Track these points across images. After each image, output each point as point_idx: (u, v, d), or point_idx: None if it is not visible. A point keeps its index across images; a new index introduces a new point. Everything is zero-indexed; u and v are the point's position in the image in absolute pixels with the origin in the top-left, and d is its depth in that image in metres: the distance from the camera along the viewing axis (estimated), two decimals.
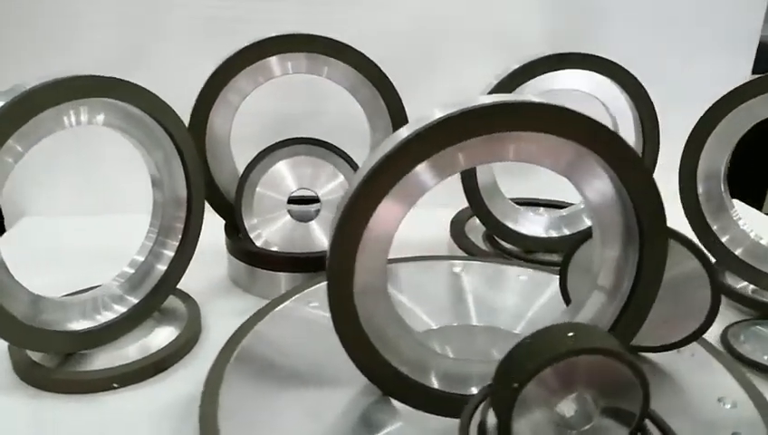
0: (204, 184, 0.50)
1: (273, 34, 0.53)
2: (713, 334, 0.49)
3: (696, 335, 0.39)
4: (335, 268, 0.32)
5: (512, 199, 0.63)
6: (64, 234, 0.67)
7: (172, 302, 0.50)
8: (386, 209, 0.32)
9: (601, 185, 0.34)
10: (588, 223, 0.62)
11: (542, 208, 0.66)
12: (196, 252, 0.49)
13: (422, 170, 0.32)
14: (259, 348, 0.40)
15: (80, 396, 0.41)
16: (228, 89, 0.53)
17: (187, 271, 0.49)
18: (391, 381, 0.35)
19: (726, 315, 0.52)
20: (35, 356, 0.42)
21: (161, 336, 0.46)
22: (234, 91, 0.54)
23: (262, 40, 0.52)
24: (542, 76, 0.56)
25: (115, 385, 0.41)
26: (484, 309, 0.46)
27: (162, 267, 0.48)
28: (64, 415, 0.39)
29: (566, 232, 0.62)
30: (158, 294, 0.47)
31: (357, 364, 0.34)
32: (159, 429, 0.38)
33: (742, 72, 0.75)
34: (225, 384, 0.36)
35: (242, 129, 0.56)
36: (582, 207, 0.62)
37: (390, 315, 0.35)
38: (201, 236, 0.49)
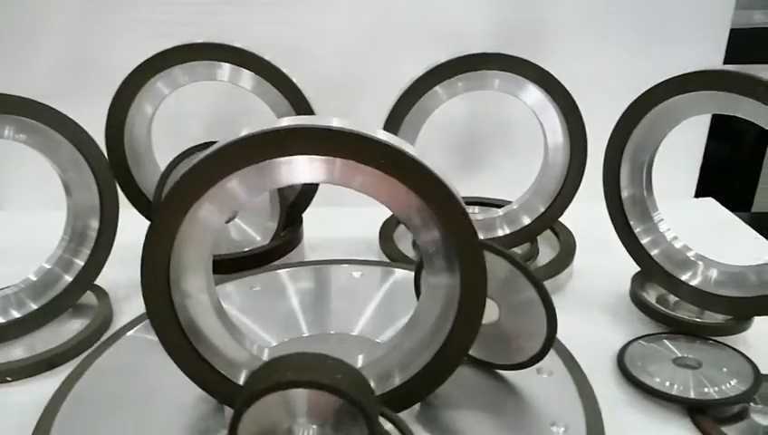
0: (116, 192, 0.52)
1: (180, 43, 0.55)
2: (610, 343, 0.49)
3: (538, 358, 0.39)
4: (150, 265, 0.33)
5: None
6: (35, 228, 0.71)
7: (89, 298, 0.53)
8: (199, 213, 0.33)
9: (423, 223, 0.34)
10: (526, 222, 0.61)
11: (477, 208, 0.65)
12: (119, 248, 0.52)
13: (233, 184, 0.33)
14: (103, 375, 0.41)
15: None
16: (142, 94, 0.56)
17: (110, 267, 0.52)
18: (214, 384, 0.36)
19: (640, 329, 0.51)
20: None
21: (65, 333, 0.49)
22: (148, 98, 0.56)
23: (167, 49, 0.54)
24: (461, 76, 0.56)
25: (8, 379, 0.45)
26: (366, 317, 0.47)
27: (69, 278, 0.51)
28: None
29: (507, 231, 0.61)
30: (61, 302, 0.50)
31: (179, 366, 0.35)
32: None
33: (713, 63, 0.71)
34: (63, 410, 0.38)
35: (173, 133, 0.59)
36: (516, 207, 0.61)
37: (212, 319, 0.36)
38: (129, 234, 0.51)
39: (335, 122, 0.33)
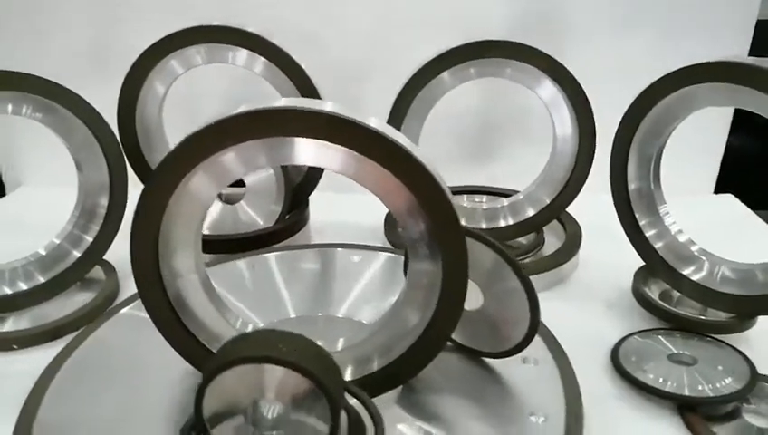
0: (125, 171, 0.53)
1: (193, 26, 0.55)
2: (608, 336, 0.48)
3: (521, 346, 0.38)
4: (139, 235, 0.34)
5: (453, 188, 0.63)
6: (54, 204, 0.74)
7: (97, 272, 0.55)
8: (192, 186, 0.34)
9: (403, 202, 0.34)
10: (530, 213, 0.60)
11: (485, 198, 0.65)
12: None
13: (228, 158, 0.34)
14: (98, 348, 0.43)
15: None
16: (153, 75, 0.57)
17: (120, 243, 0.54)
18: (200, 358, 0.37)
19: (641, 324, 0.50)
20: None
21: (72, 305, 0.51)
22: (159, 78, 0.58)
23: (178, 31, 0.55)
24: (472, 63, 0.56)
25: (14, 346, 0.47)
26: (355, 299, 0.47)
27: (77, 253, 0.52)
28: None
29: (510, 221, 0.61)
30: (69, 276, 0.52)
31: (166, 339, 0.36)
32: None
33: (738, 55, 0.68)
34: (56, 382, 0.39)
35: (187, 114, 0.60)
36: (521, 197, 0.61)
37: (200, 294, 0.37)
38: None
39: (327, 107, 0.33)
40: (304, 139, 0.33)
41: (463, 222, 0.60)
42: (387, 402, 0.37)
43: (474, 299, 0.40)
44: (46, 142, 0.73)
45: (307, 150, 0.33)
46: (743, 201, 0.75)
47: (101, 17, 0.73)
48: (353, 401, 0.32)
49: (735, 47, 0.69)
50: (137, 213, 0.34)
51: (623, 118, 0.51)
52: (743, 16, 0.68)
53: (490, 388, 0.39)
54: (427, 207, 0.34)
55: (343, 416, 0.30)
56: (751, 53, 0.70)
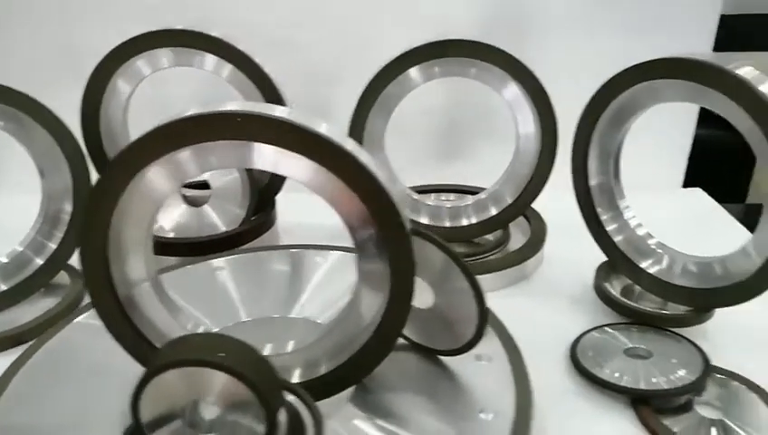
0: (88, 176, 0.53)
1: (158, 29, 0.56)
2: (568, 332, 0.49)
3: (471, 344, 0.39)
4: (88, 233, 0.34)
5: (415, 187, 0.64)
6: (20, 211, 0.74)
7: (62, 278, 0.55)
8: (144, 184, 0.34)
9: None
10: (494, 211, 0.61)
11: (453, 196, 0.65)
12: None
13: (181, 158, 0.34)
14: (56, 354, 0.43)
15: None
16: (117, 78, 0.57)
17: None
18: (142, 354, 0.37)
19: (602, 319, 0.51)
20: None
21: (35, 311, 0.51)
22: (124, 81, 0.58)
23: (141, 34, 0.56)
24: (425, 64, 0.56)
25: None
26: (316, 301, 0.48)
27: (39, 261, 0.53)
28: None
29: (474, 220, 0.61)
30: (31, 284, 0.52)
31: (112, 335, 0.36)
32: None
33: (702, 50, 0.69)
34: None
35: (154, 119, 0.60)
36: (485, 196, 0.61)
37: (150, 293, 0.37)
38: None
39: (277, 111, 0.33)
40: (255, 142, 0.33)
41: (427, 221, 0.61)
42: (340, 400, 0.38)
43: (425, 297, 0.40)
44: (10, 150, 0.74)
45: (258, 154, 0.34)
46: (711, 195, 0.76)
47: (67, 22, 0.73)
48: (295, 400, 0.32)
49: (700, 42, 0.69)
50: (86, 210, 0.34)
51: (582, 114, 0.51)
52: (706, 12, 0.69)
53: (443, 385, 0.39)
54: (374, 212, 0.34)
55: (283, 415, 0.30)
56: (716, 48, 0.70)
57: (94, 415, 0.37)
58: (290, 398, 0.32)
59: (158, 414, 0.28)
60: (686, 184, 0.79)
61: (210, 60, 0.59)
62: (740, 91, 0.42)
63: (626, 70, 0.48)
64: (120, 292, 0.36)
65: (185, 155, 0.34)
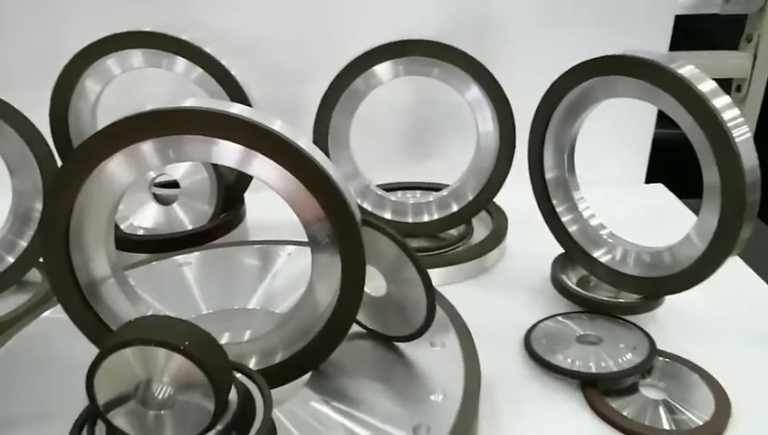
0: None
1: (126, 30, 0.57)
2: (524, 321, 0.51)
3: (422, 331, 0.41)
4: (50, 224, 0.35)
5: (382, 185, 0.65)
6: None
7: (34, 275, 0.56)
8: (105, 175, 0.35)
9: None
10: (455, 207, 0.63)
11: (418, 193, 0.67)
12: None
13: (146, 149, 0.35)
14: (22, 348, 0.44)
15: None
16: (85, 79, 0.59)
17: None
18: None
19: (559, 309, 0.53)
20: None
21: (7, 307, 0.52)
22: (92, 82, 0.59)
23: (108, 36, 0.57)
24: (388, 62, 0.58)
25: None
26: (277, 292, 0.49)
27: (11, 259, 0.53)
28: None
29: (435, 216, 0.63)
30: (1, 282, 0.53)
31: (74, 322, 0.38)
32: None
33: (659, 50, 0.71)
34: None
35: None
36: (446, 193, 0.63)
37: (111, 281, 0.38)
38: None
39: (233, 109, 0.35)
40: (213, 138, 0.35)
41: (390, 217, 0.63)
42: (297, 385, 0.39)
43: (379, 286, 0.42)
44: None
45: (217, 149, 0.35)
46: (674, 191, 0.78)
47: (38, 24, 0.74)
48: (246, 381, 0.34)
49: (656, 41, 0.72)
50: (48, 197, 0.35)
51: (536, 110, 0.53)
52: (663, 11, 0.71)
53: (397, 369, 0.41)
54: (325, 206, 0.35)
55: (233, 394, 0.31)
56: (672, 48, 0.73)
57: (58, 404, 0.38)
58: (241, 378, 0.33)
59: (112, 395, 0.29)
60: (650, 180, 0.81)
61: (179, 62, 0.60)
62: (680, 88, 0.44)
63: (575, 67, 0.50)
64: (82, 280, 0.37)
65: (146, 147, 0.35)
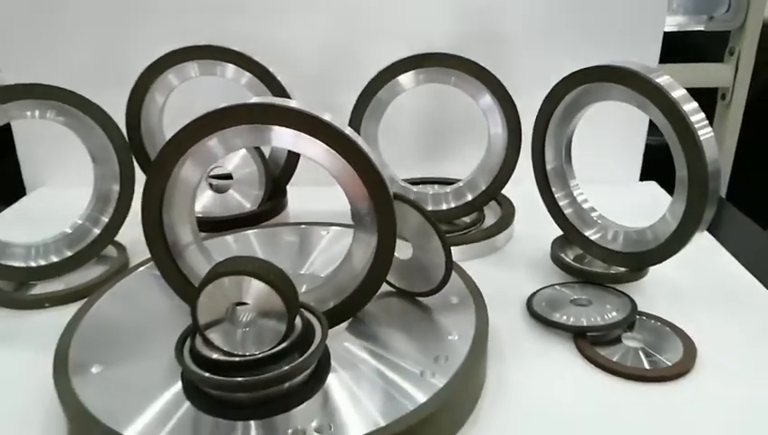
0: (132, 166, 0.65)
1: (187, 45, 0.68)
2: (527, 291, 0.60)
3: (440, 287, 0.50)
4: (148, 202, 0.45)
5: (406, 180, 0.75)
6: (71, 203, 0.85)
7: (110, 250, 0.66)
8: (185, 166, 0.45)
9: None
10: (469, 197, 0.72)
11: (436, 186, 0.76)
12: (137, 213, 0.64)
13: (212, 143, 0.45)
14: (114, 301, 0.54)
15: (22, 311, 0.58)
16: (155, 86, 0.69)
17: (129, 227, 0.65)
18: (189, 296, 0.48)
19: (556, 280, 0.62)
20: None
21: (91, 275, 0.62)
22: (159, 89, 0.70)
23: (175, 49, 0.68)
24: (410, 73, 0.68)
25: (46, 304, 0.58)
26: (320, 262, 0.59)
27: (97, 230, 0.64)
28: (10, 322, 0.57)
29: (452, 205, 0.73)
30: (90, 250, 0.63)
31: (165, 279, 0.48)
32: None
33: (649, 62, 0.81)
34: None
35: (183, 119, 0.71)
36: (462, 184, 0.72)
37: (191, 242, 0.48)
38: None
39: (291, 103, 0.45)
40: (272, 126, 0.44)
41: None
42: (339, 329, 0.49)
43: (405, 251, 0.51)
44: (62, 150, 0.85)
45: (276, 135, 0.45)
46: (665, 188, 0.87)
47: (108, 37, 0.85)
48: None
49: (647, 54, 0.81)
50: (147, 181, 0.45)
51: (538, 112, 0.63)
52: (653, 28, 0.80)
53: (420, 318, 0.50)
54: (366, 183, 0.45)
55: (298, 320, 0.41)
56: (664, 60, 0.82)
57: (150, 338, 0.48)
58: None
59: (209, 317, 0.39)
60: (644, 179, 0.90)
61: (230, 69, 0.70)
62: (657, 95, 0.53)
63: (571, 74, 0.59)
64: (170, 241, 0.47)
65: (229, 133, 0.45)
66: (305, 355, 0.39)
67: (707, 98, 0.90)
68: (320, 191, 0.76)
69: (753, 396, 0.46)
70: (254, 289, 0.38)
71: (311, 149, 0.45)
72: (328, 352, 0.44)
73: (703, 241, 0.69)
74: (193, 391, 0.40)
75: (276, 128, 0.44)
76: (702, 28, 0.88)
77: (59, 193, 0.89)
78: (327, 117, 0.44)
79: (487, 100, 0.69)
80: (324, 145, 0.44)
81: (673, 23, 0.89)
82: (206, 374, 0.38)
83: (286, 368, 0.38)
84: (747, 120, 0.86)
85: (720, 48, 0.89)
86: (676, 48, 0.84)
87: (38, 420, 0.44)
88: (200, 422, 0.39)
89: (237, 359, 0.38)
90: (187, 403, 0.40)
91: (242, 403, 0.39)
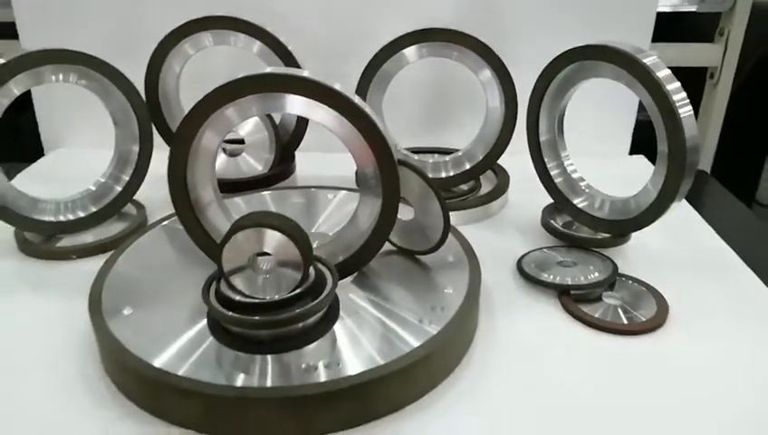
0: (151, 128, 0.69)
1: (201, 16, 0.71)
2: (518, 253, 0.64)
3: (438, 246, 0.55)
4: (175, 160, 0.49)
5: (408, 149, 0.80)
6: (88, 162, 0.89)
7: (130, 209, 0.71)
8: (206, 133, 0.49)
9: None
10: (467, 166, 0.77)
11: (436, 155, 0.80)
12: (155, 175, 0.69)
13: (229, 111, 0.49)
14: (140, 250, 0.59)
15: (51, 262, 0.63)
16: (172, 55, 0.73)
17: (147, 188, 0.70)
18: (210, 248, 0.53)
19: (545, 244, 0.67)
20: (28, 235, 0.65)
21: (113, 230, 0.67)
22: (176, 57, 0.74)
23: (191, 20, 0.71)
24: (414, 47, 0.72)
25: (73, 256, 0.63)
26: (328, 221, 0.63)
27: (119, 188, 0.69)
28: (41, 272, 0.62)
29: (451, 173, 0.77)
30: (113, 206, 0.68)
31: (188, 234, 0.52)
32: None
33: (641, 44, 0.85)
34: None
35: (199, 86, 0.75)
36: (460, 154, 0.77)
37: (214, 204, 0.53)
38: (160, 165, 0.68)
39: (304, 73, 0.49)
40: (287, 94, 0.48)
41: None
42: (346, 282, 0.53)
43: (407, 212, 0.56)
44: (78, 113, 0.89)
45: (291, 103, 0.49)
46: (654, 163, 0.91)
47: (128, 7, 0.88)
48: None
49: (640, 34, 0.85)
50: (171, 154, 0.49)
51: (534, 87, 0.67)
52: (646, 8, 0.84)
53: (419, 273, 0.55)
54: (373, 147, 0.49)
55: (312, 270, 0.46)
56: (657, 39, 0.86)
57: (176, 282, 0.53)
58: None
59: (233, 264, 0.44)
60: (635, 153, 0.95)
61: (243, 39, 0.74)
62: (643, 74, 0.56)
63: (565, 52, 0.63)
64: (195, 203, 0.52)
65: (246, 101, 0.49)
66: (317, 300, 0.44)
67: (698, 76, 0.94)
68: (325, 157, 0.81)
69: (714, 350, 0.51)
70: (275, 240, 0.43)
71: (322, 115, 0.49)
72: (337, 300, 0.49)
73: (684, 213, 0.75)
74: (216, 328, 0.45)
75: (290, 96, 0.48)
76: (694, 9, 0.92)
77: (76, 153, 0.94)
78: (338, 86, 0.48)
79: (486, 74, 0.73)
80: (335, 112, 0.48)
81: (666, 3, 0.93)
82: (230, 313, 0.43)
83: (300, 310, 0.43)
84: (733, 97, 0.90)
85: (712, 28, 0.93)
86: (669, 27, 0.88)
87: (73, 357, 0.49)
88: (222, 355, 0.44)
89: (258, 301, 0.43)
90: (211, 338, 0.45)
91: (261, 340, 0.44)
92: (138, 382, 0.43)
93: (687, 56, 0.91)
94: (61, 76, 0.64)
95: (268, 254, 0.44)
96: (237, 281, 0.44)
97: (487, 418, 0.44)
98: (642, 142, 0.94)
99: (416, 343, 0.45)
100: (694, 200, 0.76)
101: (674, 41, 0.91)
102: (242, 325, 0.43)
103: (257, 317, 0.43)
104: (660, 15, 0.84)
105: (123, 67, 0.67)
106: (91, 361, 0.49)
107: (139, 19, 0.87)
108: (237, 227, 0.43)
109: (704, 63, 0.91)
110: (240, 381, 0.42)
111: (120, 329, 0.46)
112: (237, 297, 0.44)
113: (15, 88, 0.61)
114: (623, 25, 0.84)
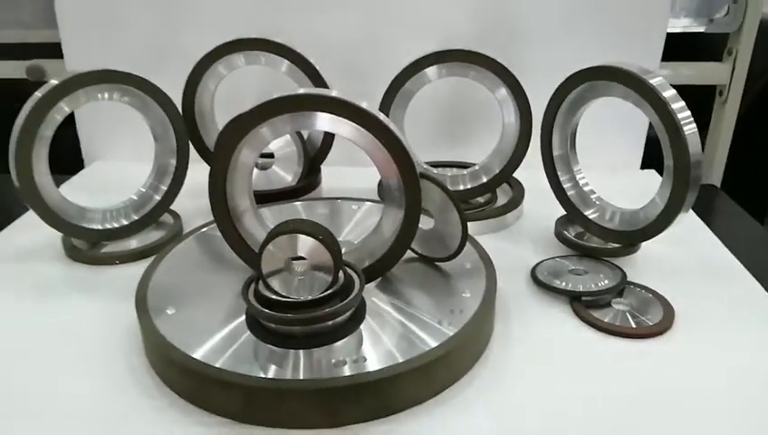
0: (188, 143, 0.74)
1: (235, 38, 0.77)
2: (532, 262, 0.68)
3: (456, 253, 0.59)
4: (216, 173, 0.54)
5: (428, 163, 0.84)
6: (127, 175, 0.93)
7: (167, 218, 0.76)
8: (244, 149, 0.54)
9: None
10: (484, 179, 0.81)
11: (455, 169, 0.85)
12: (189, 187, 0.74)
13: (264, 129, 0.54)
14: (181, 255, 0.64)
15: (97, 267, 0.68)
16: (208, 75, 0.78)
17: (181, 199, 0.75)
18: (245, 253, 0.57)
19: (558, 252, 0.70)
20: (75, 242, 0.70)
21: (152, 238, 0.72)
22: (211, 77, 0.79)
23: (226, 42, 0.76)
24: (434, 67, 0.76)
25: (117, 261, 0.68)
26: (353, 231, 0.68)
27: (158, 197, 0.74)
28: (87, 276, 0.67)
29: (469, 186, 0.81)
30: (152, 215, 0.73)
31: (227, 242, 0.57)
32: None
33: (651, 63, 0.88)
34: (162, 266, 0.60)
35: (232, 105, 0.80)
36: (477, 168, 0.81)
37: (250, 213, 0.57)
38: (195, 178, 0.73)
39: (333, 93, 0.53)
40: (319, 112, 0.53)
41: None
42: (370, 286, 0.57)
43: (427, 222, 0.60)
44: (117, 128, 0.95)
45: (320, 121, 0.53)
46: None
47: (163, 29, 0.94)
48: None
49: (650, 54, 0.88)
50: (215, 157, 0.54)
51: (547, 105, 0.71)
52: (656, 29, 0.88)
53: (438, 279, 0.59)
54: (396, 162, 0.53)
55: (341, 274, 0.50)
56: (667, 59, 0.90)
57: (215, 287, 0.57)
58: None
59: (271, 266, 0.48)
60: (643, 168, 0.98)
61: (273, 59, 0.79)
62: (650, 93, 0.60)
63: (576, 72, 0.67)
64: (232, 212, 0.56)
65: (279, 120, 0.53)
66: (346, 300, 0.49)
67: (708, 94, 0.98)
68: (348, 171, 0.86)
69: (718, 353, 0.54)
70: (309, 245, 0.47)
71: (349, 131, 0.53)
72: (363, 302, 0.53)
73: (693, 224, 0.78)
74: (253, 324, 0.50)
75: (320, 114, 0.53)
76: (702, 30, 0.95)
77: (112, 166, 0.99)
78: (365, 104, 0.52)
79: (503, 92, 0.77)
80: (362, 129, 0.53)
81: (676, 24, 0.96)
82: (267, 311, 0.47)
83: (330, 309, 0.48)
84: (748, 117, 0.93)
85: (720, 49, 0.96)
86: (678, 47, 0.91)
87: (120, 353, 0.54)
88: (258, 349, 0.48)
89: (292, 300, 0.48)
90: (248, 333, 0.49)
91: (294, 336, 0.48)
92: (181, 374, 0.48)
93: (697, 75, 0.95)
94: (106, 95, 0.69)
95: (303, 258, 0.48)
96: (274, 282, 0.48)
97: (501, 413, 0.47)
98: (656, 158, 0.98)
99: (434, 343, 0.49)
100: (703, 212, 0.79)
101: (684, 60, 0.95)
102: (277, 322, 0.48)
103: (291, 315, 0.47)
104: (670, 36, 0.88)
105: (159, 85, 0.72)
106: (137, 356, 0.53)
107: (174, 38, 0.93)
108: (275, 232, 0.47)
109: (713, 82, 0.95)
110: (274, 373, 0.46)
111: (165, 327, 0.51)
112: (274, 297, 0.48)
113: (67, 106, 0.66)
114: (635, 45, 0.88)
